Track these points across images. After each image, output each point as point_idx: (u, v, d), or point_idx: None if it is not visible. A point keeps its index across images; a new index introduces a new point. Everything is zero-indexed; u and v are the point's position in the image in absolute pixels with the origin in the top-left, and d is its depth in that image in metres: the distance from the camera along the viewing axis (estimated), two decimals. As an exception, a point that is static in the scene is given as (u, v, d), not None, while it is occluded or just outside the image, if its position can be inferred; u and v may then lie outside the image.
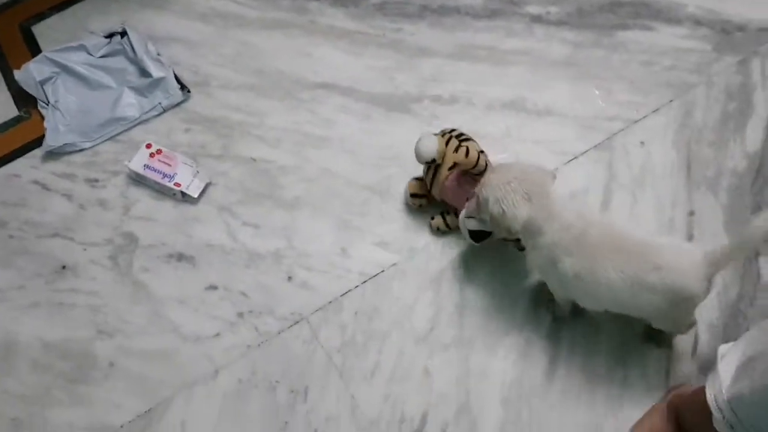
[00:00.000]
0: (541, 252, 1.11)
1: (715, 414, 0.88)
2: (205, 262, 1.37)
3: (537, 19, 1.63)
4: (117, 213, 1.43)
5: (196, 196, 1.41)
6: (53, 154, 1.49)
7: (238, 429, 1.22)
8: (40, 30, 1.68)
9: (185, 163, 1.43)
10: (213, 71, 1.60)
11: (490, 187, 1.10)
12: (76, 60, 1.58)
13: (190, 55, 1.63)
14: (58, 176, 1.48)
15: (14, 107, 1.57)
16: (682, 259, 1.02)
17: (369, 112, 1.53)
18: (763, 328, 0.89)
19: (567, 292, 1.16)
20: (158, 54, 1.59)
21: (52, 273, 1.37)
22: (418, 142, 1.26)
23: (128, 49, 1.59)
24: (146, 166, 1.42)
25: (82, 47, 1.60)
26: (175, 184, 1.40)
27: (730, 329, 1.23)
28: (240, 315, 1.32)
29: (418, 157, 1.27)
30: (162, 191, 1.44)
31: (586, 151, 1.44)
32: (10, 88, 1.59)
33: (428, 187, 1.34)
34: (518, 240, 1.18)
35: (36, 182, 1.47)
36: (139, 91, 1.55)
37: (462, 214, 1.24)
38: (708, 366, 1.06)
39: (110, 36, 1.62)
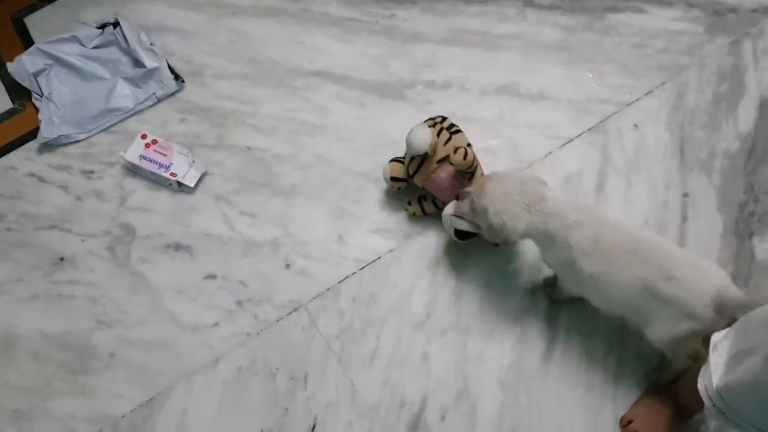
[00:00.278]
0: (555, 253, 1.12)
1: (706, 402, 0.90)
2: (202, 251, 1.38)
3: (529, 3, 1.63)
4: (114, 204, 1.43)
5: (192, 185, 1.42)
6: (48, 146, 1.49)
7: (239, 416, 1.23)
8: (32, 22, 1.67)
9: (181, 153, 1.43)
10: (206, 60, 1.60)
11: (490, 198, 1.11)
12: (69, 51, 1.58)
13: (183, 44, 1.62)
14: (54, 168, 1.48)
15: (8, 100, 1.56)
16: (697, 276, 1.02)
17: (363, 99, 1.53)
18: (751, 322, 0.90)
19: (581, 290, 1.16)
20: (151, 44, 1.58)
21: (50, 265, 1.37)
22: (410, 134, 1.27)
23: (121, 39, 1.58)
24: (142, 157, 1.42)
25: (74, 38, 1.59)
26: (171, 174, 1.40)
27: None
28: (239, 303, 1.32)
29: (411, 149, 1.28)
30: (158, 181, 1.44)
31: (580, 134, 1.45)
32: (3, 81, 1.58)
33: (408, 173, 1.34)
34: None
35: (32, 174, 1.47)
36: (133, 82, 1.54)
37: (448, 210, 1.25)
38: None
39: (103, 27, 1.61)
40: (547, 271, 1.29)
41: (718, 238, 1.33)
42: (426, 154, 1.28)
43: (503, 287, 1.31)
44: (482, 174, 1.32)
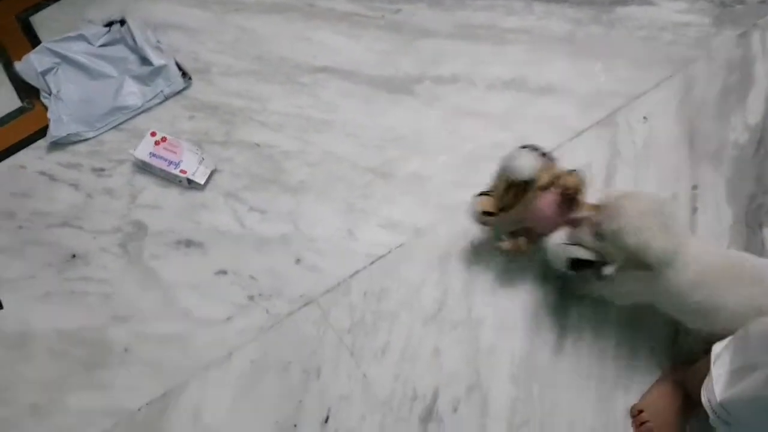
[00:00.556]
0: (663, 280, 1.05)
1: (711, 415, 0.92)
2: (213, 247, 1.38)
3: (536, -4, 1.63)
4: (124, 201, 1.44)
5: (202, 182, 1.42)
6: (58, 145, 1.50)
7: (254, 408, 1.25)
8: (38, 20, 1.67)
9: (190, 150, 1.44)
10: (213, 58, 1.60)
11: (625, 217, 1.02)
12: (76, 50, 1.58)
13: (189, 42, 1.62)
14: (64, 166, 1.48)
15: (17, 99, 1.57)
16: None
17: (370, 95, 1.53)
18: (750, 336, 0.91)
19: (681, 315, 1.12)
20: (158, 42, 1.59)
21: (62, 262, 1.38)
22: (513, 159, 1.14)
23: (128, 37, 1.59)
24: (152, 154, 1.43)
25: (81, 37, 1.59)
26: (181, 171, 1.41)
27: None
28: (250, 298, 1.33)
29: (515, 174, 1.13)
30: (168, 179, 1.45)
31: (589, 127, 1.45)
32: (11, 80, 1.59)
33: (499, 205, 1.19)
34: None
35: (42, 173, 1.48)
36: (141, 80, 1.55)
37: (557, 239, 1.15)
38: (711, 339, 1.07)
39: (109, 25, 1.62)
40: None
41: (728, 229, 1.33)
42: (527, 181, 1.14)
43: (513, 280, 1.32)
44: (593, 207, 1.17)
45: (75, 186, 1.46)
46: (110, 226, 1.41)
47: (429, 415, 1.23)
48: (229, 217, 1.41)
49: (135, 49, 1.58)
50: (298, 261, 1.36)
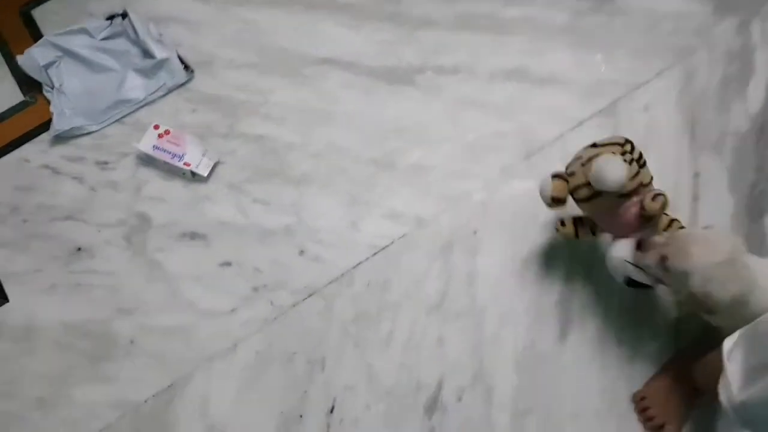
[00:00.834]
0: (738, 318, 0.96)
1: (730, 414, 0.90)
2: (217, 239, 1.39)
3: (537, -14, 1.63)
4: (128, 194, 1.44)
5: (206, 175, 1.43)
6: (61, 138, 1.50)
7: (259, 399, 1.26)
8: (40, 14, 1.67)
9: (193, 143, 1.44)
10: (215, 50, 1.60)
11: (693, 263, 0.95)
12: (78, 43, 1.58)
13: (191, 35, 1.62)
14: (68, 160, 1.49)
15: (20, 92, 1.57)
16: None
17: (372, 86, 1.54)
18: (759, 332, 0.90)
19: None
20: (160, 35, 1.59)
21: (68, 255, 1.39)
22: (603, 168, 1.07)
23: (130, 30, 1.59)
24: (155, 147, 1.43)
25: (83, 30, 1.59)
26: (184, 164, 1.42)
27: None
28: (255, 290, 1.34)
29: (601, 185, 1.07)
30: (171, 171, 1.45)
31: (590, 117, 1.45)
32: (14, 73, 1.59)
33: (570, 194, 1.15)
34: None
35: (46, 166, 1.48)
36: (143, 73, 1.55)
37: (621, 253, 1.08)
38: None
39: (111, 18, 1.62)
40: (559, 257, 1.30)
41: (729, 217, 1.34)
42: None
43: (516, 270, 1.32)
44: (670, 221, 1.14)
45: (79, 179, 1.46)
46: (115, 219, 1.42)
47: (434, 404, 1.24)
48: (233, 209, 1.42)
49: (137, 43, 1.58)
50: (301, 252, 1.37)
